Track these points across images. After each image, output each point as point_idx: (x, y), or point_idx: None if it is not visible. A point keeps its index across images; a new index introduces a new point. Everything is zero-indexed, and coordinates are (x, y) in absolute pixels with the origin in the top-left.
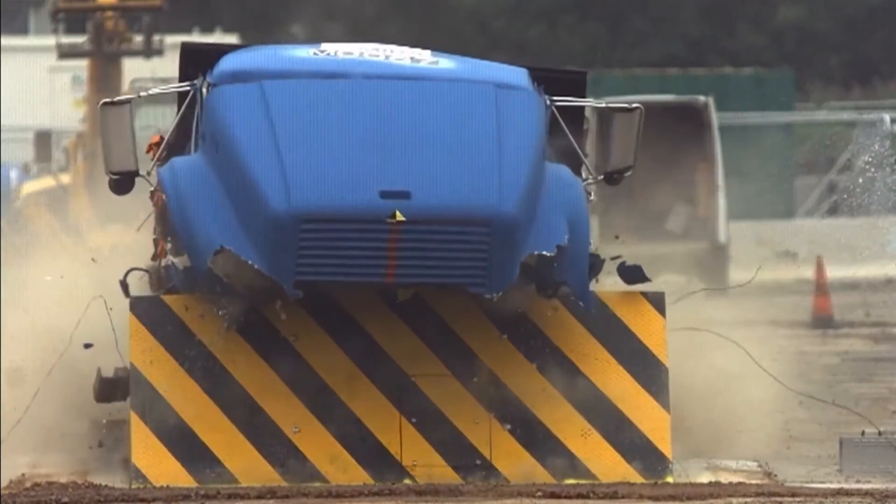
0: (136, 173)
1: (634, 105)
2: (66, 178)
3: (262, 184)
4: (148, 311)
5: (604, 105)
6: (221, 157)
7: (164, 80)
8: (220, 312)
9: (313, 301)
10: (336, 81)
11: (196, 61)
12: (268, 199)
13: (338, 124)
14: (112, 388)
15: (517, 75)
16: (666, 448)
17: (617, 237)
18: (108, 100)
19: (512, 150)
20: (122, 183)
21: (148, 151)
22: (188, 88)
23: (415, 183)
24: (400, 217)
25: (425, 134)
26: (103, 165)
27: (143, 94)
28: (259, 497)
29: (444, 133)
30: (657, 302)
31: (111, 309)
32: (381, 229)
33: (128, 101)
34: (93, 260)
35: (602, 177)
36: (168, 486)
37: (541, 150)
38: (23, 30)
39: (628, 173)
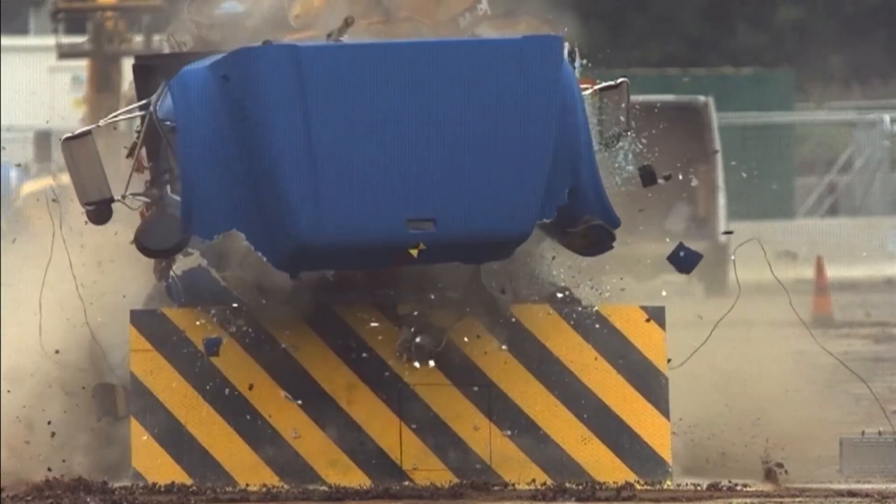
0: (111, 200)
1: (620, 80)
2: (66, 178)
3: (292, 201)
4: (148, 323)
5: (592, 88)
6: (248, 133)
7: None
8: (219, 314)
9: (313, 314)
10: (376, 70)
11: (154, 77)
12: (297, 223)
13: (371, 130)
14: (111, 402)
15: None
16: (666, 453)
17: (730, 233)
18: (69, 135)
19: (536, 144)
20: (100, 212)
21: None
22: (142, 113)
23: (440, 207)
24: (422, 247)
25: (455, 134)
26: (77, 199)
27: (101, 123)
28: (260, 501)
29: (470, 121)
30: (657, 316)
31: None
32: (402, 252)
33: (89, 133)
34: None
35: (597, 146)
36: (169, 490)
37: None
38: (23, 30)
39: (623, 137)
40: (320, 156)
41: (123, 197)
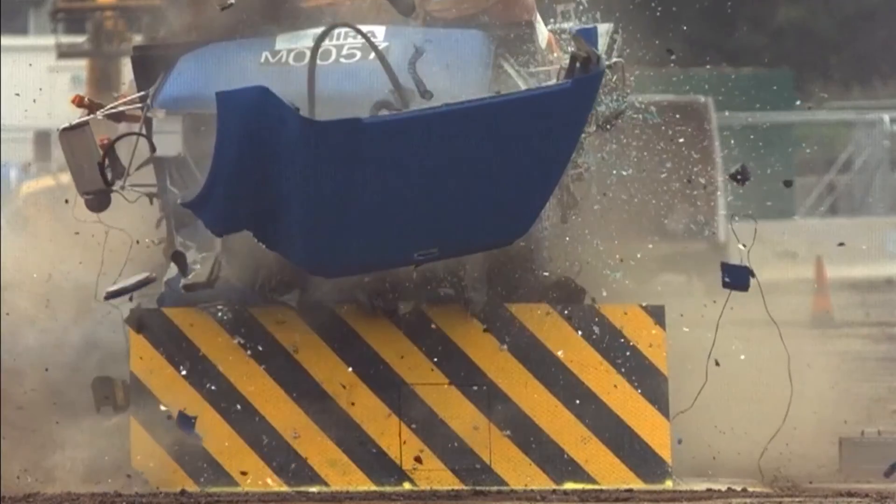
0: (109, 189)
1: (615, 60)
2: (66, 178)
3: (316, 239)
4: (147, 323)
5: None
6: (290, 173)
7: None
8: (219, 315)
9: (314, 313)
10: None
11: (152, 68)
12: (316, 256)
13: (407, 187)
14: (110, 393)
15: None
16: (665, 453)
17: (842, 244)
18: (66, 125)
19: (554, 168)
20: (98, 201)
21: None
22: (139, 105)
23: (449, 235)
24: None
25: (476, 171)
26: (75, 187)
27: (99, 114)
28: (260, 501)
29: (495, 159)
30: (657, 315)
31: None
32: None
33: (86, 123)
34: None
35: (595, 128)
36: (170, 493)
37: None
38: (23, 30)
39: (619, 119)
40: (354, 208)
41: (122, 187)
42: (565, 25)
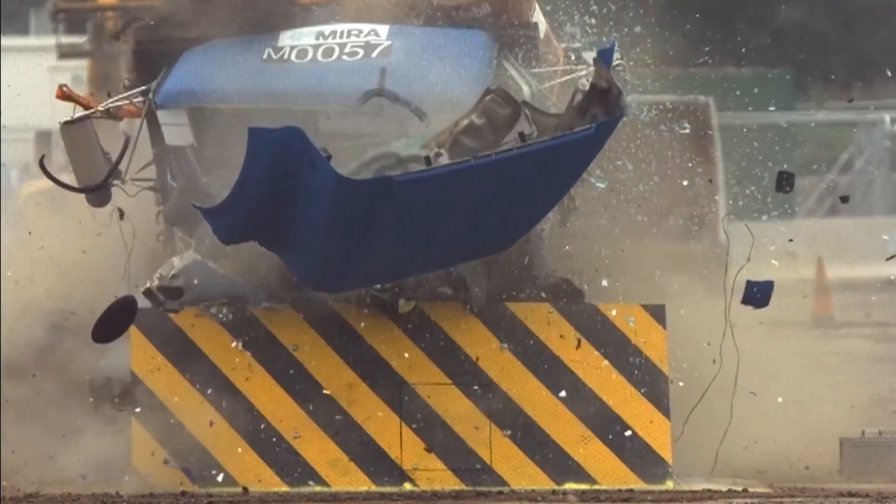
0: (110, 184)
1: (616, 63)
2: (66, 178)
3: (327, 267)
4: (149, 323)
5: (587, 70)
6: (313, 210)
7: None
8: (220, 315)
9: (314, 312)
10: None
11: (154, 62)
12: (325, 280)
13: (422, 230)
14: (108, 390)
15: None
16: (666, 453)
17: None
18: (68, 119)
19: (552, 194)
20: (99, 195)
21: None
22: (141, 99)
23: (445, 258)
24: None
25: (471, 220)
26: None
27: (101, 107)
28: (260, 501)
29: (510, 196)
30: (658, 314)
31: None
32: None
33: (87, 117)
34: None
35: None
36: (170, 493)
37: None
38: (23, 30)
39: (620, 122)
40: (371, 245)
41: (123, 181)
42: (575, 45)
